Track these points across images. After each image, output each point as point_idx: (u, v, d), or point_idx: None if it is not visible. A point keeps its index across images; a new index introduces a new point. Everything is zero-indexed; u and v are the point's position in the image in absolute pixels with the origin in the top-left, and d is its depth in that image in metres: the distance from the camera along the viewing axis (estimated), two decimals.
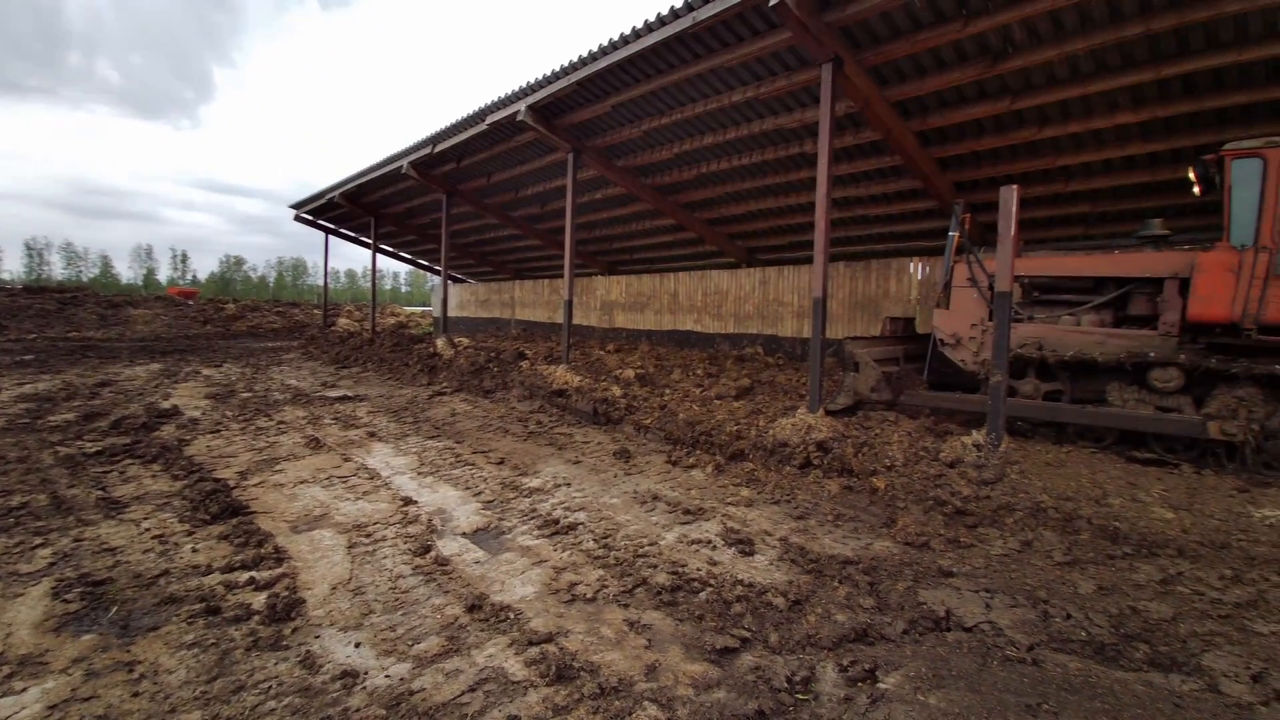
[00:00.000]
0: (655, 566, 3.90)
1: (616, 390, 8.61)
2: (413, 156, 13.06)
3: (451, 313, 24.98)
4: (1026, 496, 4.59)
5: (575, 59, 8.26)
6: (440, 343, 13.38)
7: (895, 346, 7.79)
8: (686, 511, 4.97)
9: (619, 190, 12.20)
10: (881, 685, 2.70)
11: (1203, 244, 5.35)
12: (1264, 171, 4.97)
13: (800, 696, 2.65)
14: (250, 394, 10.43)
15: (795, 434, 6.11)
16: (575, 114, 9.61)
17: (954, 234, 7.00)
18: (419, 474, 5.96)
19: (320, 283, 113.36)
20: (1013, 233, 4.89)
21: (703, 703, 2.54)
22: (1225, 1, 5.06)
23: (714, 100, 8.23)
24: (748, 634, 3.13)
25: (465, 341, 14.47)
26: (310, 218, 21.16)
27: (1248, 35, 5.47)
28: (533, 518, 4.77)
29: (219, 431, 7.64)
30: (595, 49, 7.87)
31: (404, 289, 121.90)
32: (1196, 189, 5.84)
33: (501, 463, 6.37)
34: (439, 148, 12.13)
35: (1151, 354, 5.28)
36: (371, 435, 7.53)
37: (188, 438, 7.22)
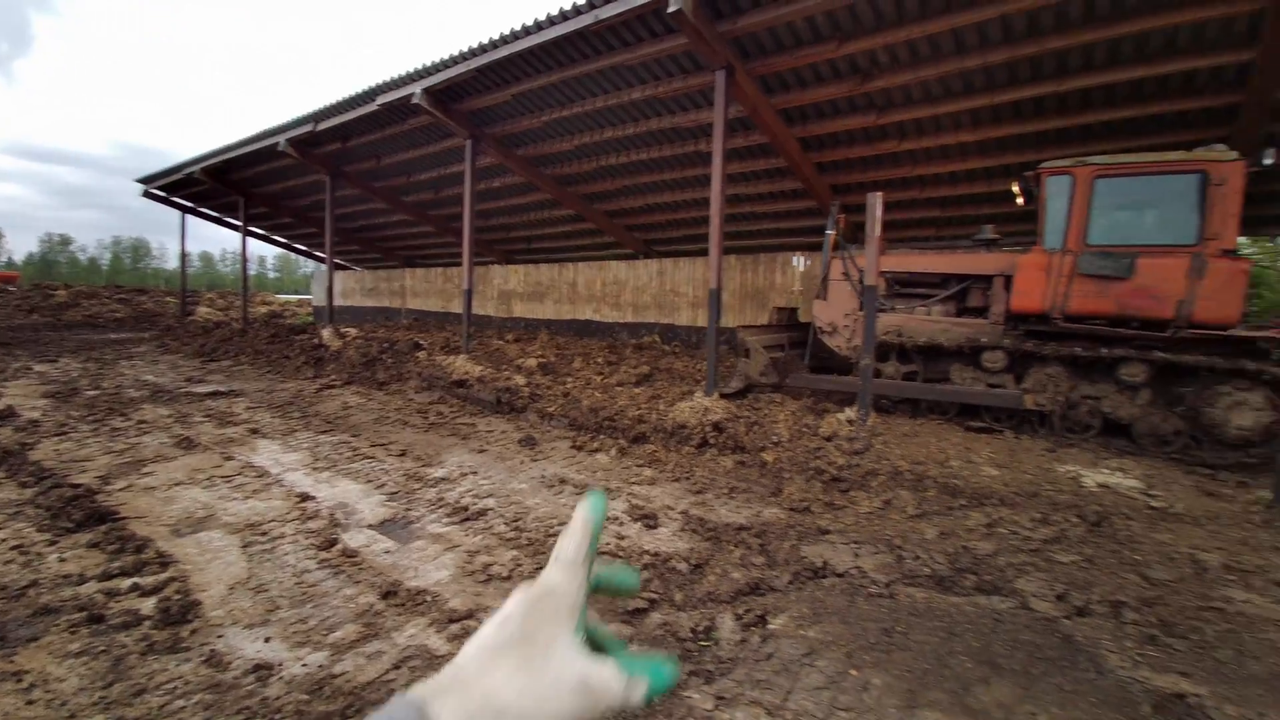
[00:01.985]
0: None
1: (520, 379, 8.67)
2: (291, 133, 12.15)
3: (335, 301, 23.48)
4: (888, 463, 5.28)
5: (476, 45, 8.14)
6: (326, 333, 12.64)
7: (781, 334, 8.48)
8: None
9: (518, 179, 12.12)
10: (771, 626, 3.11)
11: (1023, 247, 6.37)
12: (1072, 186, 6.00)
13: (703, 643, 2.99)
14: (98, 391, 9.35)
15: (693, 416, 6.53)
16: (474, 100, 9.45)
17: (831, 232, 7.72)
18: (314, 469, 5.74)
19: (169, 266, 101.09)
20: (877, 234, 5.56)
21: None
22: (1050, 38, 6.03)
23: (614, 96, 8.46)
24: (656, 596, 3.45)
25: (354, 332, 13.75)
26: (164, 194, 18.98)
27: (1067, 69, 6.54)
28: (441, 506, 4.80)
29: (66, 434, 6.85)
30: (497, 36, 7.81)
31: (271, 274, 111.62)
32: (1020, 200, 6.90)
33: (403, 454, 6.27)
34: (322, 126, 11.40)
35: (984, 339, 6.23)
36: (254, 432, 7.08)
37: (30, 441, 6.43)
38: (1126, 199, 5.71)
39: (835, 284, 7.50)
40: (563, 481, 5.50)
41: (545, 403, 8.05)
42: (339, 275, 23.95)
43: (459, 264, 19.22)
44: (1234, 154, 5.34)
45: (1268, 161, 5.31)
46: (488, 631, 0.46)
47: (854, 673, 2.70)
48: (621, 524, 4.52)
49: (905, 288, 7.26)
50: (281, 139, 12.39)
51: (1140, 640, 2.83)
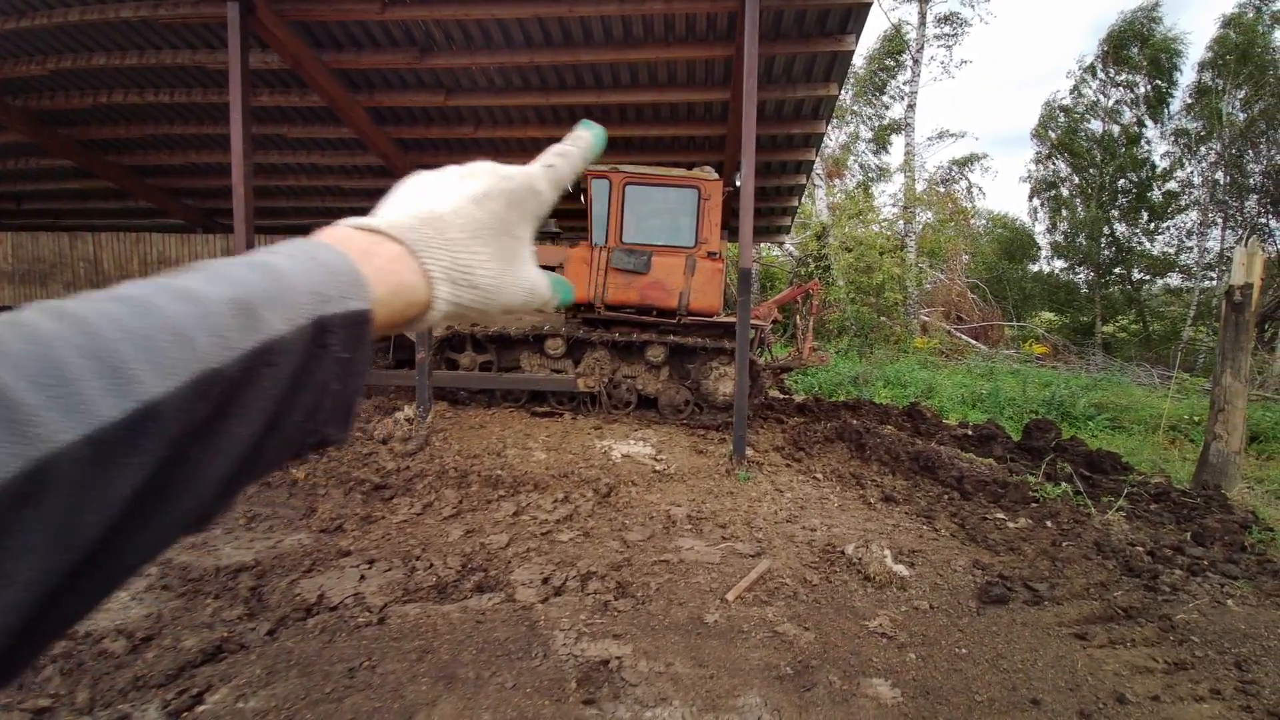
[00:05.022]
0: None
1: None
2: None
3: None
4: (440, 461, 5.06)
5: None
6: None
7: None
8: None
9: None
10: (202, 707, 2.45)
11: (573, 241, 6.94)
12: (610, 189, 6.69)
13: None
14: None
15: None
16: None
17: None
18: None
19: None
20: None
21: None
22: (580, 50, 6.57)
23: (94, 9, 6.23)
24: (48, 702, 2.46)
25: None
26: None
27: (602, 83, 7.28)
28: None
29: None
30: None
31: None
32: (582, 198, 7.47)
33: None
34: None
35: (546, 327, 6.58)
36: None
37: None
38: (648, 205, 6.65)
39: None
40: None
41: None
42: None
43: None
44: (716, 175, 6.67)
45: (739, 184, 6.74)
46: (466, 203, 0.46)
47: None
48: None
49: None
50: None
51: (594, 610, 3.07)
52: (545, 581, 3.39)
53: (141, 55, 6.91)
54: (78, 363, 0.26)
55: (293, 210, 10.87)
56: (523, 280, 0.49)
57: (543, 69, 6.89)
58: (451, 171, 0.49)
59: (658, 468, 5.27)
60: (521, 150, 8.65)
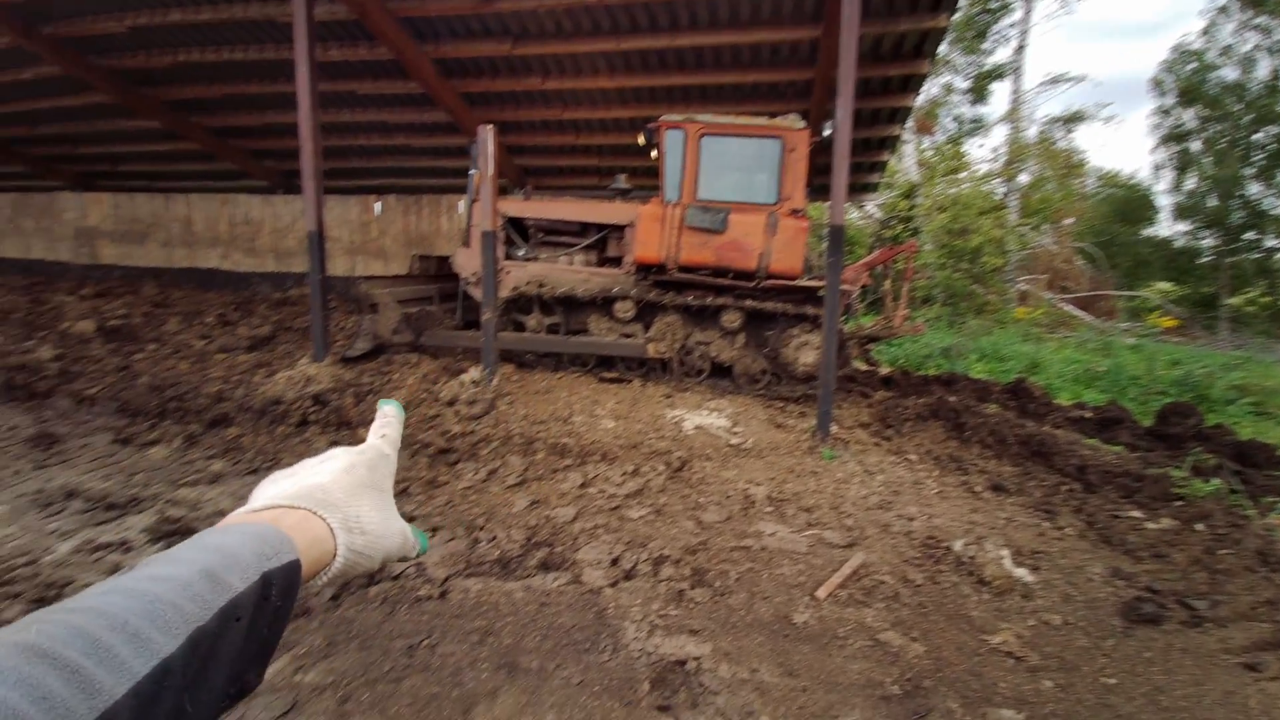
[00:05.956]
0: (17, 596, 2.79)
1: (46, 353, 6.20)
2: None
3: None
4: (505, 427, 4.89)
5: None
6: None
7: (428, 286, 7.56)
8: (112, 507, 3.81)
9: (59, 70, 8.59)
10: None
11: (644, 198, 6.51)
12: (684, 141, 6.19)
13: None
14: None
15: (290, 388, 5.31)
16: None
17: (474, 172, 6.94)
18: None
19: None
20: (491, 172, 4.98)
21: None
22: None
23: None
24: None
25: None
26: None
27: (678, 24, 6.69)
28: None
29: None
30: None
31: None
32: (654, 153, 7.00)
33: None
34: None
35: (616, 289, 6.25)
36: None
37: None
38: (725, 158, 6.13)
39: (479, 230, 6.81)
40: (72, 495, 3.92)
41: (86, 382, 5.88)
42: None
43: None
44: (803, 124, 6.04)
45: (827, 133, 6.10)
46: (338, 473, 0.57)
47: None
48: (130, 550, 3.29)
49: (550, 235, 6.94)
50: None
51: (667, 599, 2.79)
52: (614, 563, 3.14)
53: (215, 9, 6.90)
54: (107, 635, 0.32)
55: (365, 171, 10.91)
56: (396, 529, 0.60)
57: (614, 9, 6.40)
58: (310, 459, 0.60)
59: (733, 442, 4.91)
60: (591, 103, 8.23)
